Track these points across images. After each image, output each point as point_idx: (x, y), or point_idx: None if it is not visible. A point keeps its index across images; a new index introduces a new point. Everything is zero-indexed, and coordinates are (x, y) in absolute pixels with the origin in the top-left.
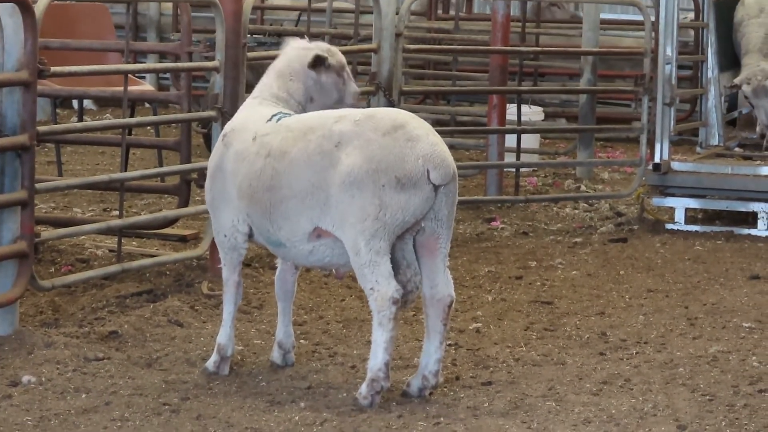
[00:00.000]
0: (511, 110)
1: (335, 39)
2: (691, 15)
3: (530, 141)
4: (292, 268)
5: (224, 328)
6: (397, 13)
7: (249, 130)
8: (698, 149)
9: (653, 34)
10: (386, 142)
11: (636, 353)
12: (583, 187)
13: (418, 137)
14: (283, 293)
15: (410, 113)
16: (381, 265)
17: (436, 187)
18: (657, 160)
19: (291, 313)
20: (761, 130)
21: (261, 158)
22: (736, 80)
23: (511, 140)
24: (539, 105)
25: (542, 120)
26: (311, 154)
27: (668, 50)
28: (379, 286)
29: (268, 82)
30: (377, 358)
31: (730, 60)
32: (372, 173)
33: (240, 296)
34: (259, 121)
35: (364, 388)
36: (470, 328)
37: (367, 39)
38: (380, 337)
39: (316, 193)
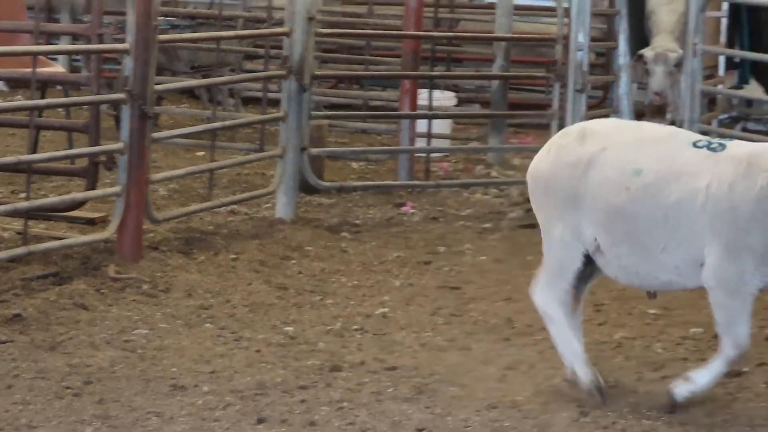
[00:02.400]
0: (424, 95)
1: (249, 22)
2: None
3: (442, 126)
4: None
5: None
6: None
7: None
8: None
9: (566, 20)
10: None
11: (542, 339)
12: (494, 173)
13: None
14: None
15: None
16: None
17: None
18: None
19: None
20: (671, 117)
21: None
22: (642, 51)
23: (423, 125)
24: (453, 90)
25: (455, 105)
26: None
27: (580, 37)
28: None
29: None
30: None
31: (642, 47)
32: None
33: None
34: None
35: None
36: (377, 312)
37: (281, 22)
38: None
39: None
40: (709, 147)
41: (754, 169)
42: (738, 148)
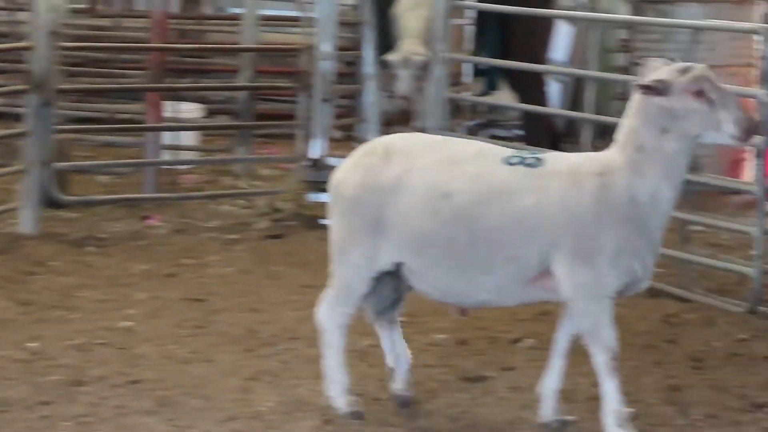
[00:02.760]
0: (171, 107)
1: None
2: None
3: (189, 138)
4: None
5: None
6: (53, 11)
7: None
8: (356, 145)
9: (312, 30)
10: None
11: (286, 349)
12: (241, 184)
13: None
14: None
15: None
16: None
17: None
18: (313, 156)
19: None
20: (417, 125)
21: None
22: (389, 56)
23: (170, 138)
24: (201, 102)
25: (203, 117)
26: None
27: (326, 46)
28: None
29: None
30: None
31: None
32: None
33: None
34: None
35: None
36: (121, 326)
37: (25, 37)
38: None
39: None
40: (524, 163)
41: (578, 177)
42: (555, 161)
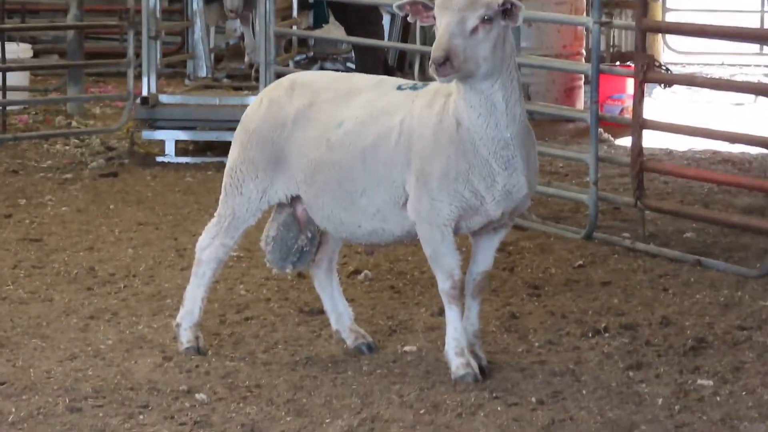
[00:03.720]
0: None
1: None
2: None
3: (19, 79)
4: None
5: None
6: None
7: None
8: (187, 81)
9: None
10: None
11: (124, 287)
12: (74, 123)
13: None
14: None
15: None
16: None
17: None
18: (145, 93)
19: None
20: (249, 60)
21: None
22: None
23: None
24: (30, 42)
25: (31, 57)
26: None
27: None
28: None
29: None
30: None
31: None
32: None
33: None
34: None
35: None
36: None
37: None
38: None
39: None
40: (412, 88)
41: (434, 97)
42: (436, 84)
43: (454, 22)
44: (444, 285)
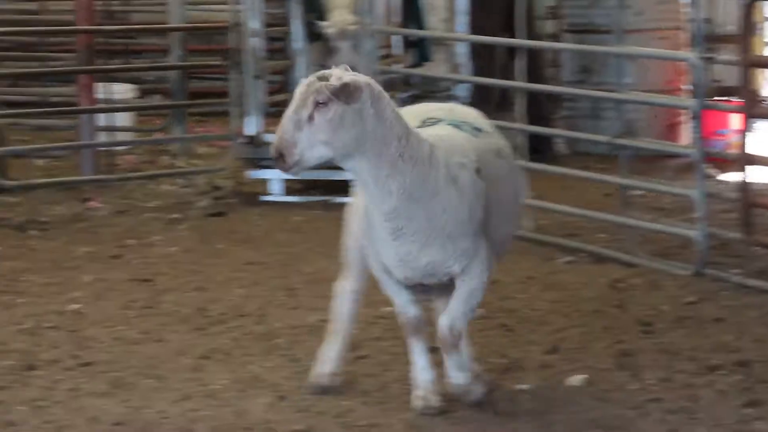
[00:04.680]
0: (102, 89)
1: None
2: None
3: (124, 119)
4: None
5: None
6: None
7: (486, 151)
8: None
9: (239, 7)
10: None
11: (235, 326)
12: (179, 163)
13: None
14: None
15: None
16: None
17: None
18: (249, 133)
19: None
20: None
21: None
22: (324, 25)
23: (103, 119)
24: (135, 83)
25: (135, 97)
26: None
27: (253, 23)
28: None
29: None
30: None
31: (316, 32)
32: None
33: None
34: (474, 140)
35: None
36: (69, 309)
37: None
38: None
39: None
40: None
41: None
42: None
43: (289, 115)
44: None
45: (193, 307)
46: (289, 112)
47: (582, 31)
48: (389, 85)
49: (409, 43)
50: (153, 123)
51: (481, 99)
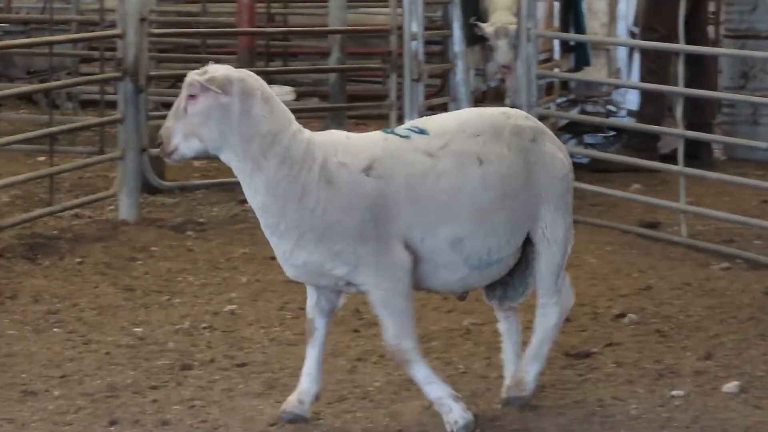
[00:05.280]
0: None
1: (82, 26)
2: None
3: None
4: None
5: (436, 382)
6: None
7: (406, 150)
8: None
9: (399, 10)
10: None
11: None
12: None
13: None
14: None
15: None
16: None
17: None
18: None
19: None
20: (510, 102)
21: (472, 168)
22: (483, 26)
23: None
24: (291, 85)
25: (294, 100)
26: (518, 153)
27: (413, 26)
28: (565, 290)
29: (282, 107)
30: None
31: (477, 34)
32: (570, 166)
33: None
34: (392, 140)
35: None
36: (225, 310)
37: (114, 24)
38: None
39: (532, 194)
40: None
41: None
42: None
43: (172, 108)
44: None
45: (347, 309)
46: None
47: (742, 36)
48: (548, 89)
49: (569, 48)
50: (310, 125)
51: (650, 103)
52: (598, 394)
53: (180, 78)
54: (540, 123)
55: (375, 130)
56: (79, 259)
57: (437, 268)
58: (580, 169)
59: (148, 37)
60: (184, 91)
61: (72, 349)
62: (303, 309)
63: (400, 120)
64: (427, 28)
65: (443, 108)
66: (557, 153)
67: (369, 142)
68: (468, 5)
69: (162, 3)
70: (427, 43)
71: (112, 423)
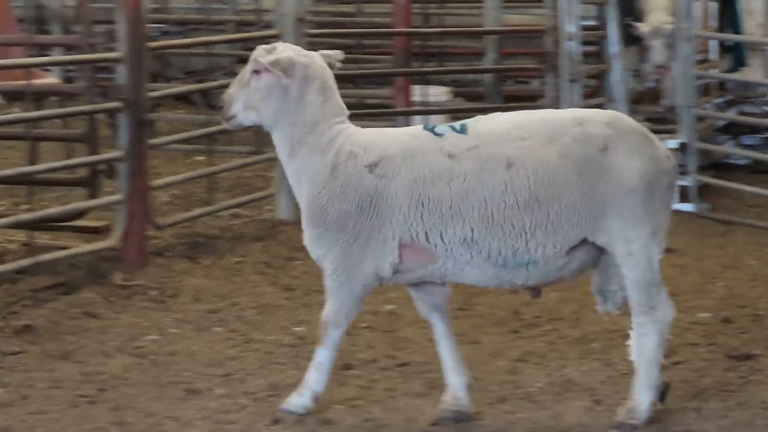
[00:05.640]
0: (418, 91)
1: (239, 26)
2: None
3: (437, 121)
4: (443, 295)
5: (321, 374)
6: None
7: (425, 150)
8: None
9: (555, 11)
10: (649, 144)
11: (550, 330)
12: None
13: (652, 139)
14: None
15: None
16: (661, 283)
17: None
18: None
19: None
20: (667, 103)
21: (497, 172)
22: (639, 26)
23: (418, 121)
24: (446, 85)
25: (449, 100)
26: (572, 161)
27: (570, 27)
28: (662, 304)
29: (339, 101)
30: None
31: (633, 34)
32: (659, 176)
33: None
34: (423, 138)
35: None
36: (384, 309)
37: (271, 25)
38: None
39: (588, 203)
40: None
41: None
42: None
43: (239, 75)
44: None
45: (507, 309)
46: (240, 73)
47: None
48: (705, 90)
49: (726, 48)
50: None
51: None
52: (761, 396)
53: (339, 78)
54: (636, 130)
55: None
56: (238, 259)
57: (460, 265)
58: (739, 171)
59: (305, 38)
60: (250, 65)
61: (233, 348)
62: (462, 309)
63: None
64: (583, 29)
65: (599, 108)
66: (632, 164)
67: (393, 138)
68: (624, 5)
69: (317, 3)
70: (583, 43)
71: (275, 422)
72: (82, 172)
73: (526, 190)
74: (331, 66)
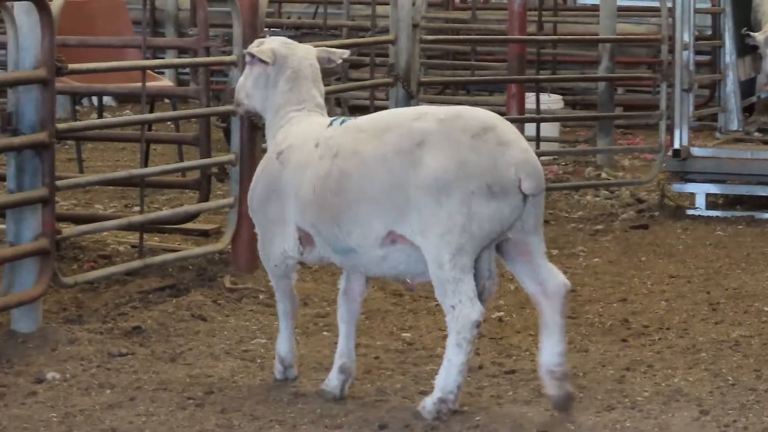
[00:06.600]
0: (530, 99)
1: (353, 31)
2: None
3: (550, 129)
4: (361, 285)
5: (283, 339)
6: (413, 5)
7: (309, 139)
8: (717, 135)
9: (670, 20)
10: (477, 145)
11: (658, 339)
12: (603, 175)
13: (509, 142)
14: (348, 314)
15: (496, 114)
16: (465, 283)
17: (525, 197)
18: (676, 146)
19: (354, 336)
20: None
21: (327, 160)
22: (754, 35)
23: (531, 129)
24: (558, 93)
25: (561, 108)
26: (387, 153)
27: (685, 36)
28: (462, 306)
29: (308, 91)
30: (450, 378)
31: (748, 44)
32: (462, 178)
33: (296, 308)
34: (318, 129)
35: (429, 404)
36: (493, 317)
37: (385, 30)
38: (456, 359)
39: (393, 194)
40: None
41: None
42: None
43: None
44: None
45: (616, 318)
46: None
47: None
48: None
49: None
50: (577, 134)
51: None
52: None
53: (448, 85)
54: (469, 129)
55: (641, 141)
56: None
57: (325, 249)
58: None
59: (419, 44)
60: (248, 57)
61: None
62: (571, 318)
63: (669, 131)
64: (696, 39)
65: (712, 118)
66: (434, 162)
67: (306, 128)
68: (740, 15)
69: (432, 10)
70: (697, 53)
71: (382, 427)
72: (193, 175)
73: (337, 179)
74: (330, 61)
